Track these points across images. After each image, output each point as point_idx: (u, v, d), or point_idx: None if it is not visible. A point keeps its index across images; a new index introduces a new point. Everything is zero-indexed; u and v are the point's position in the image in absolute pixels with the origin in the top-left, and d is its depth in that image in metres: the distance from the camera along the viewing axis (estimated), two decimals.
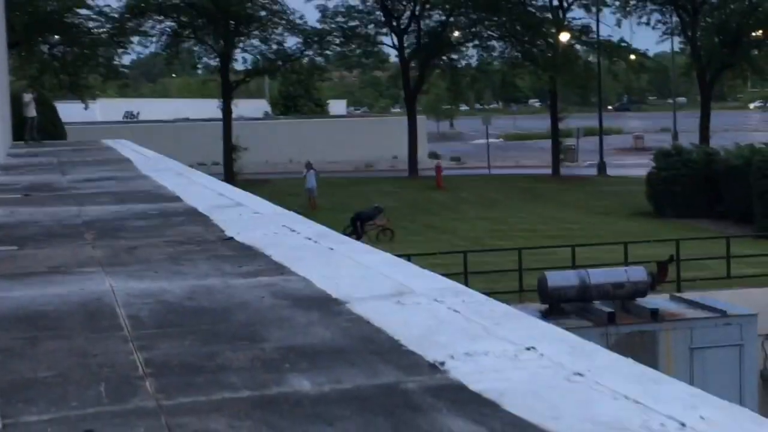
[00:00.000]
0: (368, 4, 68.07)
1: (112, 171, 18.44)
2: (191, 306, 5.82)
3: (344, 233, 37.58)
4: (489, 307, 5.52)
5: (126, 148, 26.70)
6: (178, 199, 12.79)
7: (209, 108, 78.93)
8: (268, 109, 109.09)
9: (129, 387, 4.07)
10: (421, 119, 74.10)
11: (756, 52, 67.11)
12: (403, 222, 40.85)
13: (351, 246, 8.13)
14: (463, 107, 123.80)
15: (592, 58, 71.75)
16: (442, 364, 4.26)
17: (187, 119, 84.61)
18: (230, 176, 57.30)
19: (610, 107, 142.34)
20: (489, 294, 8.10)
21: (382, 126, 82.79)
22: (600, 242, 31.88)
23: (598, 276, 20.43)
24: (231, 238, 8.75)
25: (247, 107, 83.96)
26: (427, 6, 67.70)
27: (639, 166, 62.71)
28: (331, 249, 7.82)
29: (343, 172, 68.06)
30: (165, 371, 4.29)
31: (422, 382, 4.03)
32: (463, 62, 71.16)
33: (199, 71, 76.95)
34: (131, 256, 7.92)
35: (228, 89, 64.23)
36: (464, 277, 24.85)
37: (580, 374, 3.98)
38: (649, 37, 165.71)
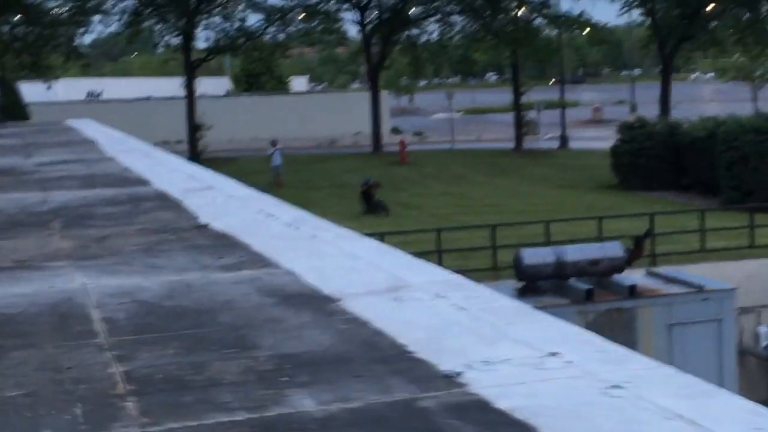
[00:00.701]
0: None
1: (78, 153, 17.83)
2: (171, 306, 5.32)
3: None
4: (497, 303, 5.04)
5: (90, 128, 26.02)
6: (147, 182, 12.23)
7: (171, 86, 78.11)
8: (230, 86, 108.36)
9: (109, 409, 3.57)
10: (383, 95, 73.58)
11: (715, 24, 66.99)
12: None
13: (334, 233, 7.62)
14: (422, 82, 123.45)
15: (549, 32, 71.41)
16: (459, 374, 3.77)
17: (149, 98, 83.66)
18: (195, 155, 56.65)
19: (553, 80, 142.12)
20: (462, 272, 7.67)
21: (344, 102, 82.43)
22: (572, 217, 31.45)
23: (575, 253, 20.04)
24: (206, 226, 8.23)
25: (209, 85, 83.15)
26: None
27: (600, 139, 62.53)
28: (314, 236, 7.32)
29: (306, 148, 67.52)
30: (148, 388, 3.79)
31: (440, 398, 3.54)
32: (424, 37, 70.77)
33: (161, 50, 75.92)
34: (102, 247, 7.39)
35: (191, 67, 63.48)
36: (438, 255, 24.40)
37: (618, 386, 3.50)
38: (606, 9, 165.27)
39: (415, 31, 69.73)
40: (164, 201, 10.28)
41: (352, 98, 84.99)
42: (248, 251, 6.84)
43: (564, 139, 69.64)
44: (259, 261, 6.47)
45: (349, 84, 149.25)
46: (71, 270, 6.40)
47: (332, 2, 67.57)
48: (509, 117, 74.57)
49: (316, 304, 5.18)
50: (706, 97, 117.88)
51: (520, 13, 65.60)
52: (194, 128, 62.05)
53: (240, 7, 64.93)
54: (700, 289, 19.83)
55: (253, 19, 65.87)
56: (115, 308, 5.25)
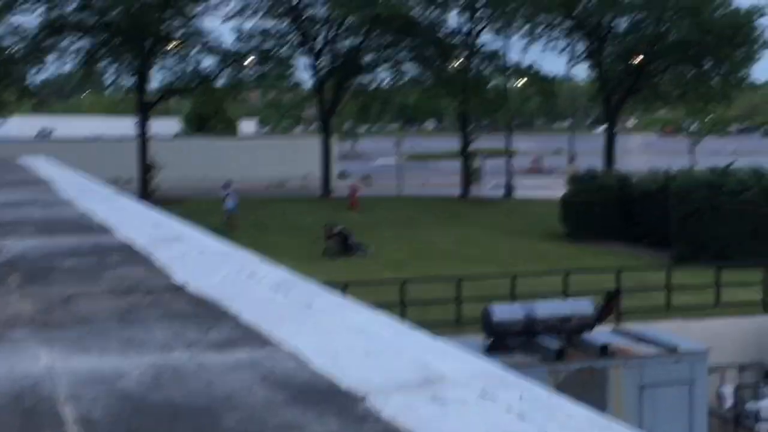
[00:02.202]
0: (283, 27, 66.69)
1: (33, 193, 16.65)
2: (160, 401, 4.27)
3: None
4: (561, 409, 4.04)
5: (45, 166, 24.82)
6: (110, 230, 11.10)
7: (121, 125, 77.16)
8: (180, 127, 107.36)
9: None
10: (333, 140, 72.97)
11: (659, 78, 66.95)
12: (323, 243, 39.44)
13: (331, 300, 6.60)
14: (362, 127, 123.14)
15: (497, 82, 71.01)
16: None
17: (100, 137, 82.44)
18: (146, 194, 55.43)
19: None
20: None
21: (291, 146, 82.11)
22: (536, 271, 30.61)
23: (545, 309, 19.15)
24: (182, 287, 7.17)
25: (159, 126, 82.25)
26: (342, 29, 66.47)
27: (542, 188, 62.26)
28: (309, 305, 6.30)
29: (255, 190, 66.53)
30: None
31: None
32: (375, 84, 70.07)
33: (111, 90, 74.86)
34: (68, 312, 6.31)
35: (144, 108, 62.32)
36: (400, 308, 23.44)
37: None
38: (553, 61, 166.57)
39: (366, 78, 69.13)
40: (131, 253, 9.20)
41: (299, 142, 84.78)
42: (237, 323, 5.80)
43: (509, 188, 69.22)
44: (254, 337, 5.44)
45: (292, 128, 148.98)
46: (34, 343, 5.34)
47: (285, 48, 66.87)
48: (451, 164, 74.19)
49: (338, 402, 4.17)
50: (635, 150, 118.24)
51: (458, 63, 65.19)
52: (146, 168, 60.85)
53: (195, 50, 63.93)
54: (672, 350, 18.99)
55: (207, 62, 64.84)
56: (92, 403, 4.21)
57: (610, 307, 22.37)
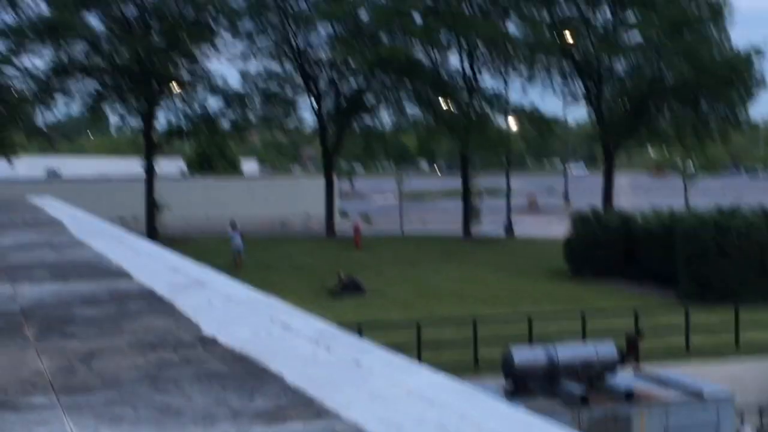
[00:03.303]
0: (287, 69, 66.33)
1: (44, 235, 16.00)
2: None
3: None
4: None
5: (54, 207, 24.17)
6: (127, 275, 10.39)
7: (126, 166, 76.79)
8: (184, 167, 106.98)
9: None
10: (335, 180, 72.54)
11: (658, 119, 66.45)
12: (329, 283, 38.71)
13: (378, 356, 5.88)
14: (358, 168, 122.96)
15: (497, 122, 70.62)
16: None
17: (106, 177, 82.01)
18: (153, 234, 54.79)
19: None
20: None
21: (293, 186, 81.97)
22: (555, 310, 29.76)
23: (566, 352, 18.37)
24: (214, 340, 6.46)
25: (163, 165, 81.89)
26: (344, 72, 66.09)
27: (540, 227, 61.82)
28: (358, 363, 5.60)
29: (258, 230, 65.90)
30: None
31: None
32: (377, 125, 69.62)
33: (116, 131, 74.64)
34: (92, 371, 5.60)
35: (150, 148, 61.82)
36: (417, 350, 22.66)
37: None
38: (550, 102, 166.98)
39: (369, 118, 68.67)
40: (152, 300, 8.49)
41: (301, 182, 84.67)
42: (283, 386, 5.09)
43: (510, 226, 68.70)
44: (305, 404, 4.73)
45: (290, 167, 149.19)
46: (57, 412, 4.63)
47: (289, 89, 66.48)
48: (448, 203, 73.88)
49: None
50: (625, 189, 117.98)
51: (459, 103, 64.85)
52: (152, 207, 60.26)
53: (200, 91, 63.49)
54: (698, 395, 18.20)
55: (213, 103, 64.38)
56: None
57: (632, 350, 21.59)
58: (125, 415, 4.54)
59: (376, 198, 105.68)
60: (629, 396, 17.96)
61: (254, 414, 4.56)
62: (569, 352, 18.73)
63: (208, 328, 6.81)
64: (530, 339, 23.52)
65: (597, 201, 63.86)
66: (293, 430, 4.29)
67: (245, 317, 7.51)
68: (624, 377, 19.05)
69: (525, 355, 18.47)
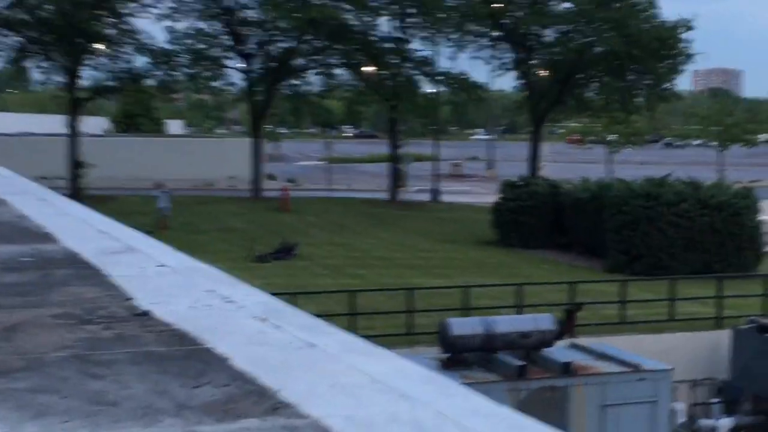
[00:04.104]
0: (216, 28, 65.13)
1: None
2: None
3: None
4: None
5: None
6: (51, 237, 9.67)
7: (50, 123, 75.38)
8: (109, 126, 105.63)
9: None
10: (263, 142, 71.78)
11: (586, 89, 66.51)
12: (258, 246, 37.96)
13: (330, 336, 5.29)
14: (282, 130, 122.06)
15: (428, 89, 70.38)
16: None
17: (30, 134, 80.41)
18: (76, 192, 53.67)
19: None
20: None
21: (219, 147, 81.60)
22: (490, 283, 29.15)
23: (505, 324, 17.95)
24: (147, 314, 5.82)
25: (87, 124, 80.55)
26: (274, 33, 65.09)
27: (465, 193, 61.87)
28: (312, 345, 5.02)
29: (183, 189, 64.92)
30: None
31: None
32: (306, 88, 68.83)
33: (41, 87, 72.97)
34: (13, 347, 4.96)
35: (75, 106, 60.44)
36: (349, 319, 22.06)
37: None
38: (479, 70, 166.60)
39: (296, 82, 67.84)
40: (80, 267, 7.81)
41: (227, 143, 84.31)
42: (231, 371, 4.50)
43: (436, 192, 68.81)
44: (259, 394, 4.14)
45: (214, 129, 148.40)
46: None
47: (218, 49, 65.36)
48: (373, 167, 73.76)
49: None
50: (545, 158, 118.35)
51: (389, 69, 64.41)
52: (76, 166, 59.01)
53: (126, 49, 62.09)
54: (636, 368, 17.91)
55: (139, 61, 63.03)
56: None
57: (571, 323, 21.26)
58: (53, 406, 3.92)
59: (302, 161, 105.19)
60: (566, 369, 17.63)
61: (202, 406, 3.96)
62: (508, 324, 18.33)
63: (143, 300, 6.17)
64: (465, 309, 23.11)
65: (520, 169, 63.92)
66: (248, 427, 3.70)
67: (182, 288, 6.88)
68: (560, 350, 18.72)
69: (462, 326, 18.05)
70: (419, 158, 72.57)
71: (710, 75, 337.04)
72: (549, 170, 63.97)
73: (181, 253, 8.57)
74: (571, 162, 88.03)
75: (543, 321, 18.59)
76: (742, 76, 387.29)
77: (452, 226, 50.26)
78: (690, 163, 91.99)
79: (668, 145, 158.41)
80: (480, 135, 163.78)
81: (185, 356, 4.78)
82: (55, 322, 5.61)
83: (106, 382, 4.32)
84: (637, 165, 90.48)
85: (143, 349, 4.97)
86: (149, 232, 9.12)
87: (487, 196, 58.22)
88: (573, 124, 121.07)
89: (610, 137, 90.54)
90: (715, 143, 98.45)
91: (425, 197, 68.75)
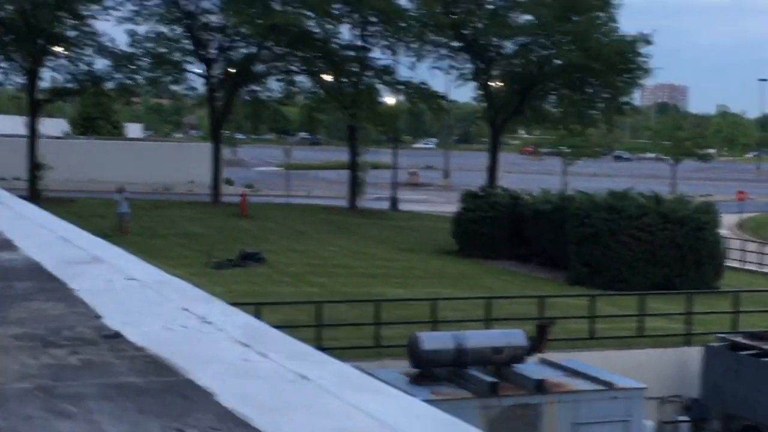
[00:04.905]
0: (177, 33, 64.36)
1: None
2: None
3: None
4: None
5: None
6: (10, 245, 9.03)
7: (9, 124, 74.42)
8: (67, 128, 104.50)
9: None
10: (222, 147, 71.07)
11: (544, 101, 66.37)
12: (217, 252, 37.23)
13: (322, 365, 4.72)
14: (239, 136, 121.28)
15: (389, 98, 70.08)
16: None
17: None
18: (34, 194, 52.78)
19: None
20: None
21: (178, 151, 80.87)
22: (465, 297, 28.42)
23: (476, 339, 17.43)
24: (118, 335, 5.22)
25: (46, 126, 79.56)
26: (235, 39, 64.47)
27: (422, 202, 61.67)
28: (304, 377, 4.44)
29: (141, 193, 64.10)
30: None
31: None
32: (266, 94, 68.23)
33: (0, 88, 72.02)
34: None
35: (34, 107, 59.49)
36: (315, 330, 21.42)
37: None
38: (439, 80, 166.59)
39: (257, 88, 67.24)
40: (42, 280, 7.18)
41: (186, 147, 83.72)
42: (217, 409, 3.92)
43: (394, 201, 68.52)
44: None
45: (171, 133, 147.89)
46: None
47: (179, 54, 64.61)
48: (331, 174, 73.39)
49: None
50: (501, 168, 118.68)
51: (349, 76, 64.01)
52: (35, 168, 58.07)
53: (87, 51, 61.19)
54: (609, 386, 17.46)
55: (100, 64, 62.17)
56: None
57: (543, 338, 20.80)
58: None
59: (260, 167, 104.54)
60: (539, 386, 17.14)
61: None
62: (479, 339, 17.81)
63: (112, 319, 5.56)
64: (432, 322, 22.55)
65: (475, 178, 63.72)
66: None
67: (154, 305, 6.27)
68: (533, 366, 18.23)
69: (433, 340, 17.50)
70: (376, 166, 72.31)
71: (657, 90, 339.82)
72: (504, 181, 63.78)
73: (149, 264, 7.96)
74: (524, 173, 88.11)
75: (515, 336, 18.09)
76: (687, 92, 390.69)
77: (412, 235, 49.81)
78: (642, 177, 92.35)
79: (618, 158, 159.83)
80: (425, 144, 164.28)
81: (164, 389, 4.19)
82: (16, 344, 5.01)
83: (76, 422, 3.73)
84: (589, 177, 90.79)
85: (116, 380, 4.37)
86: (111, 236, 8.55)
87: (445, 205, 57.90)
88: (525, 136, 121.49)
89: (566, 149, 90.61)
90: (667, 157, 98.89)
91: (384, 205, 68.42)
